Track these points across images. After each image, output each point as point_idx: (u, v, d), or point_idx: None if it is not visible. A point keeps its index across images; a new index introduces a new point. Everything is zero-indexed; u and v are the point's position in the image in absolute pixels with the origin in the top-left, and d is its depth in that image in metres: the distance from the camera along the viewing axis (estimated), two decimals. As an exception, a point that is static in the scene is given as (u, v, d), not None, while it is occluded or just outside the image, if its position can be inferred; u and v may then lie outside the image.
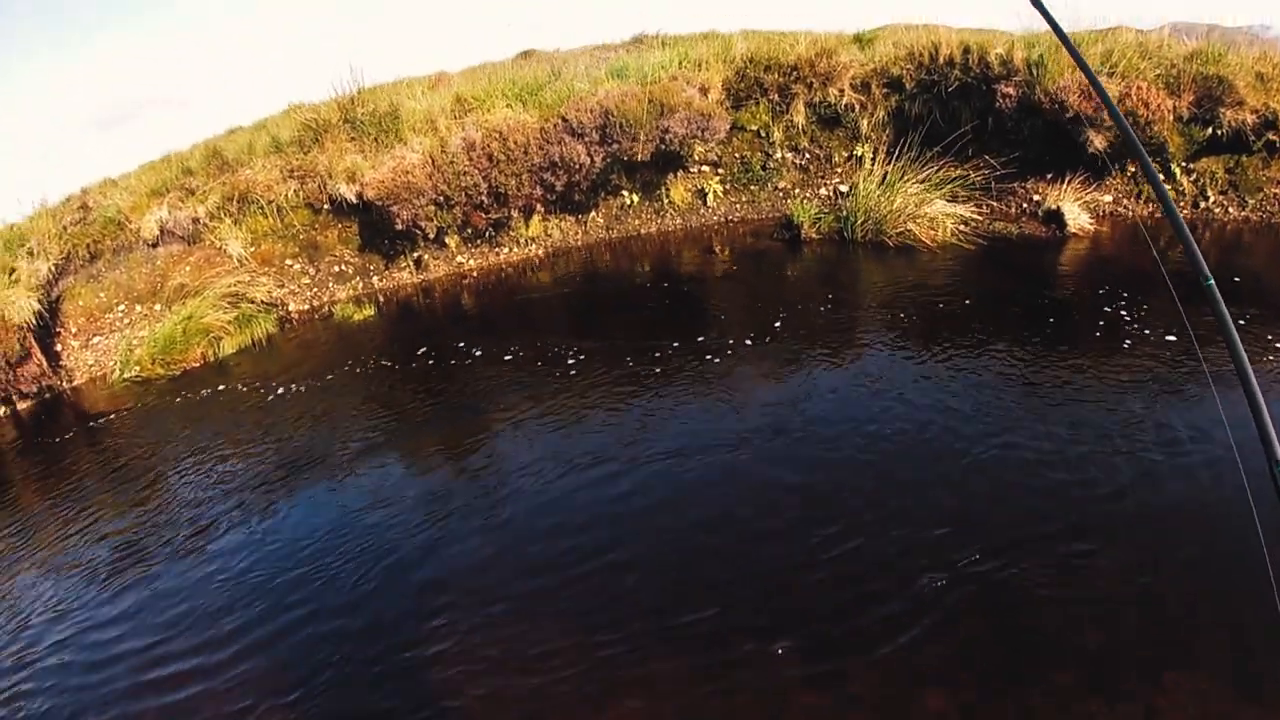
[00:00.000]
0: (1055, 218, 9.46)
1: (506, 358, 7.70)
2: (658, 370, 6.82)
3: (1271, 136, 9.26)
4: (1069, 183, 9.71)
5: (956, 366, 6.24)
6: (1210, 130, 9.39)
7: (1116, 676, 3.37)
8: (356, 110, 10.24)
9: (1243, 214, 9.68)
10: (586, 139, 9.64)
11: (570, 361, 7.31)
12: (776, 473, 5.10)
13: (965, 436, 5.19)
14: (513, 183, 9.70)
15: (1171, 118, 9.31)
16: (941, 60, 10.05)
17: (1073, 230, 9.35)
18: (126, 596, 4.99)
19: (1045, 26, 3.47)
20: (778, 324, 7.53)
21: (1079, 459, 4.78)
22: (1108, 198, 9.91)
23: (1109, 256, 8.79)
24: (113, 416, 8.79)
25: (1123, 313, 6.91)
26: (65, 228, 11.42)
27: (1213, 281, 2.16)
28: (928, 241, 9.37)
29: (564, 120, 9.62)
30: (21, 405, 9.90)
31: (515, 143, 9.61)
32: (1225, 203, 9.75)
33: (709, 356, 6.96)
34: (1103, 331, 6.60)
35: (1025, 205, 9.86)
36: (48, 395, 10.02)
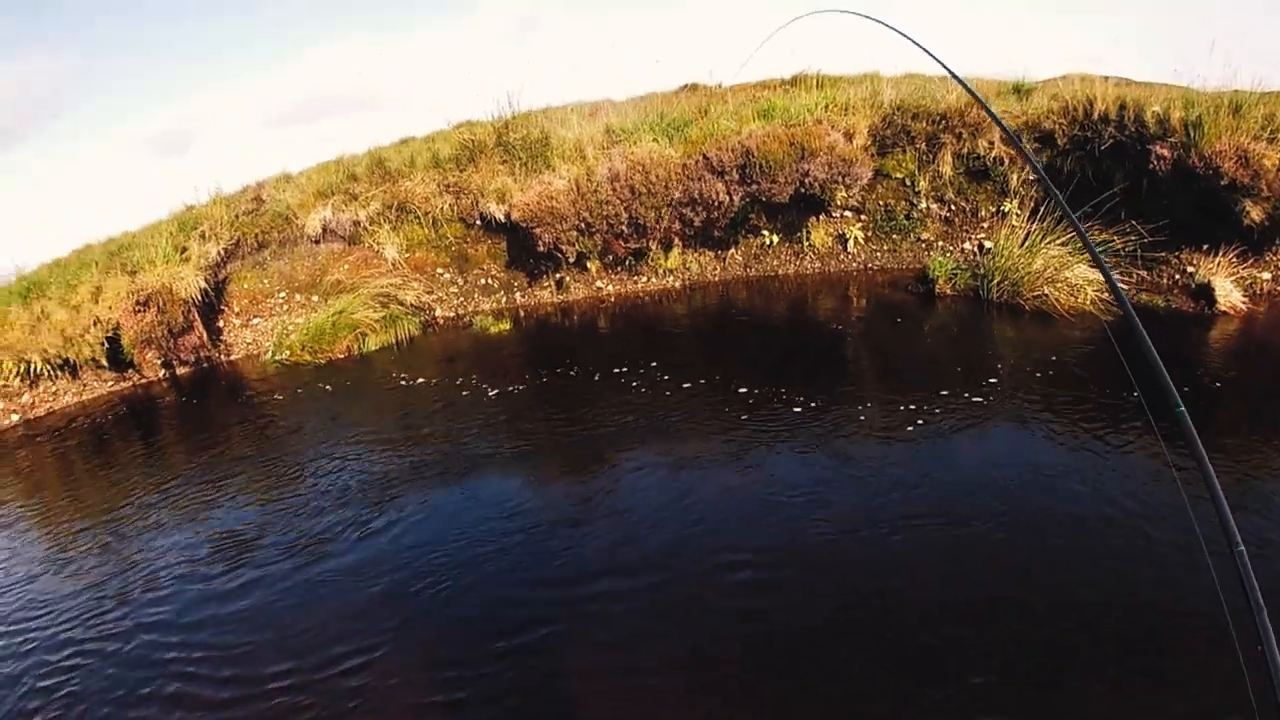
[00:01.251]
0: (1205, 293, 9.27)
1: (635, 384, 8.21)
2: (778, 414, 7.09)
3: None
4: (1223, 256, 9.44)
5: (1083, 446, 6.05)
6: None
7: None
8: (510, 134, 11.29)
9: None
10: (727, 177, 10.38)
11: (695, 396, 7.73)
12: (900, 540, 5.09)
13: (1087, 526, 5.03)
14: (652, 215, 10.52)
15: None
16: (1096, 116, 10.15)
17: (1223, 308, 9.09)
18: (242, 574, 5.53)
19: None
20: (903, 382, 7.66)
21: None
22: (1266, 275, 9.80)
23: (1264, 341, 8.45)
24: (261, 392, 10.15)
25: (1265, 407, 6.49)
26: (237, 216, 13.00)
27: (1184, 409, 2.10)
28: (1065, 309, 9.30)
29: (705, 158, 10.38)
30: (181, 370, 11.62)
31: (657, 177, 10.44)
32: None
33: (833, 408, 7.13)
34: (1255, 428, 6.20)
35: (1176, 277, 9.80)
36: (205, 365, 11.77)
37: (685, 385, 7.91)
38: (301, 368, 10.90)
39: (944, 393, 7.06)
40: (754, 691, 3.86)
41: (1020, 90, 11.02)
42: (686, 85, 13.90)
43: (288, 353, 11.32)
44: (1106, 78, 11.20)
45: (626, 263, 11.26)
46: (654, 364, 8.60)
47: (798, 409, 7.06)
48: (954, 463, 5.93)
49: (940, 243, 10.86)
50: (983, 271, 9.92)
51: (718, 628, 4.30)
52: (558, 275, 11.46)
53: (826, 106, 10.67)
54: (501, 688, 4.03)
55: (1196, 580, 4.15)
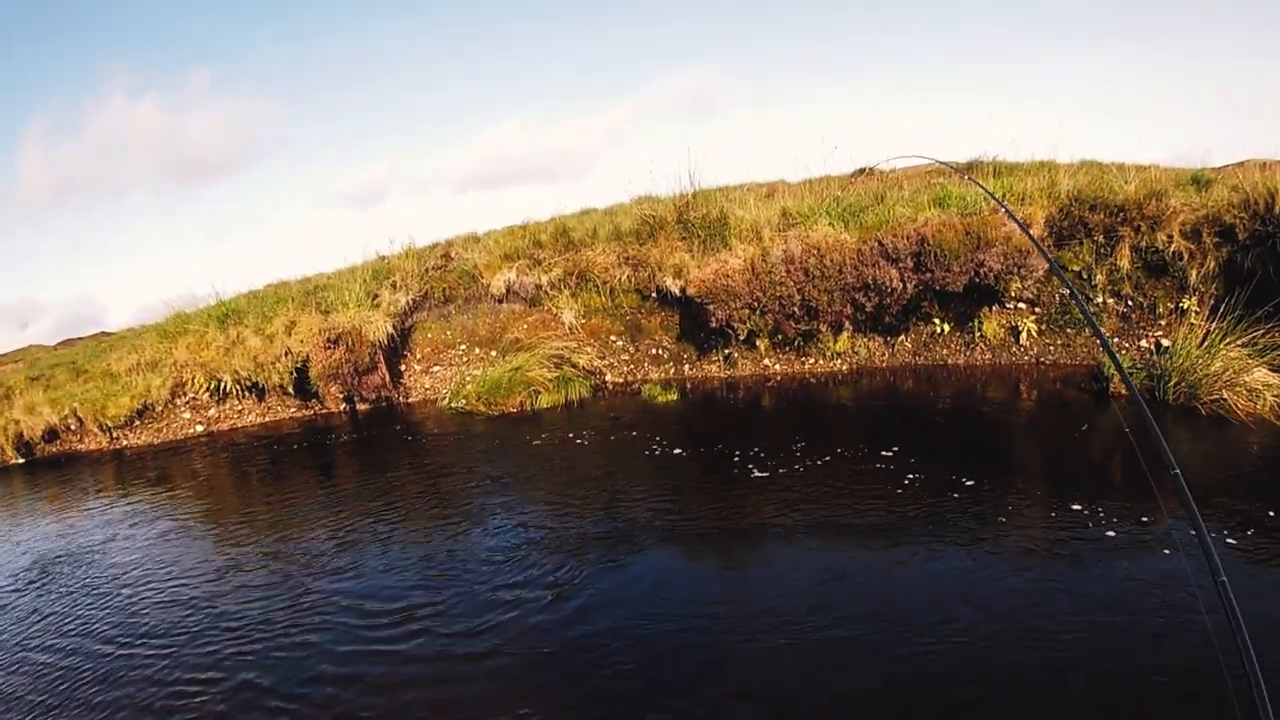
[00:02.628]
0: None
1: (796, 468, 8.73)
2: (941, 513, 7.31)
3: None
4: None
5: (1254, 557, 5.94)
6: None
7: None
8: (690, 213, 12.51)
9: None
10: (900, 264, 11.24)
11: (856, 487, 8.13)
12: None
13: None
14: (825, 298, 11.48)
15: None
16: (1278, 209, 10.41)
17: None
18: (401, 626, 5.89)
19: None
20: (1069, 486, 7.72)
21: None
22: None
23: None
24: (434, 435, 11.49)
25: None
26: (427, 270, 14.71)
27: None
28: (1243, 413, 9.42)
29: (880, 244, 11.28)
30: (361, 406, 13.55)
31: (831, 260, 11.41)
32: None
33: (993, 509, 7.30)
34: None
35: None
36: (384, 403, 13.64)
37: (847, 473, 8.44)
38: (475, 416, 12.29)
39: (1110, 501, 7.22)
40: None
41: (1199, 181, 11.35)
42: (860, 170, 14.80)
43: (463, 401, 12.74)
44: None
45: (795, 343, 12.20)
46: (818, 449, 9.13)
47: (957, 498, 7.48)
48: (1106, 575, 6.01)
49: (1116, 339, 11.23)
50: (1159, 371, 10.19)
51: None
52: (726, 351, 12.52)
53: (1004, 195, 11.34)
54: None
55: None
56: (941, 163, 11.06)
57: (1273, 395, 9.35)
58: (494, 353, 13.91)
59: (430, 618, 5.89)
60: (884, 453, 8.76)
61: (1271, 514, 6.60)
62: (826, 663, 5.08)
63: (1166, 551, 6.09)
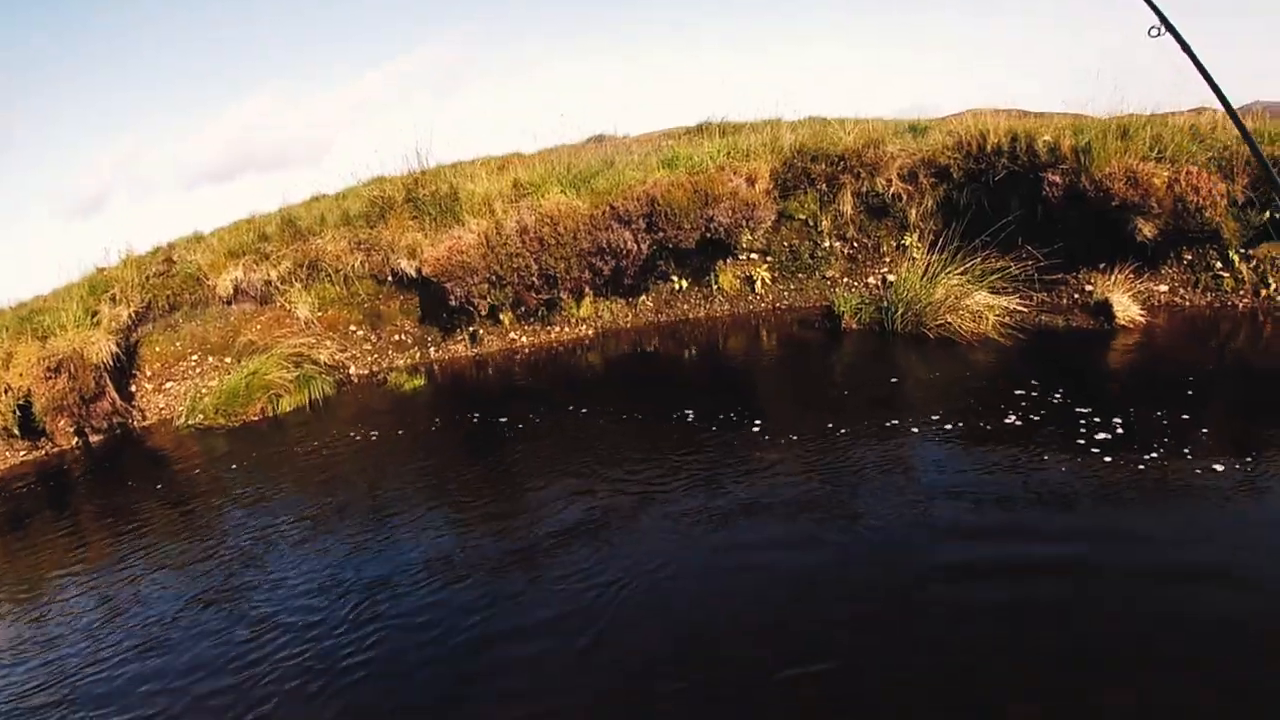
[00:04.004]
0: (1104, 309, 10.65)
1: (546, 431, 9.20)
2: (688, 451, 8.02)
3: None
4: (1118, 273, 10.92)
5: (989, 465, 6.90)
6: (1268, 214, 10.53)
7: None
8: (420, 190, 12.69)
9: None
10: (633, 226, 11.77)
11: (608, 440, 8.65)
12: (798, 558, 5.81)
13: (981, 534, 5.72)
14: (562, 266, 11.89)
15: (1225, 202, 10.54)
16: (989, 149, 11.61)
17: (1122, 322, 10.48)
18: (143, 633, 6.01)
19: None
20: (818, 408, 8.70)
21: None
22: (1163, 288, 11.29)
23: (1163, 350, 9.70)
24: (174, 460, 11.04)
25: (1183, 415, 7.43)
26: (148, 278, 14.21)
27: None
28: (968, 334, 10.63)
29: (612, 208, 11.77)
30: (94, 438, 12.76)
31: (565, 228, 11.83)
32: None
33: (745, 438, 8.11)
34: (1159, 432, 7.07)
35: (1075, 297, 11.26)
36: (118, 431, 12.87)
37: (598, 427, 9.05)
38: (215, 432, 11.85)
39: (859, 421, 8.24)
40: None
41: (916, 129, 12.51)
42: (593, 137, 15.34)
43: (201, 416, 12.36)
44: (998, 111, 12.75)
45: (539, 313, 12.56)
46: (567, 411, 9.69)
47: (711, 442, 8.14)
48: (864, 475, 7.05)
49: (845, 279, 12.23)
50: (886, 304, 11.24)
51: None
52: (471, 329, 12.75)
53: (729, 153, 12.07)
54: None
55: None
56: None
57: (995, 316, 10.55)
58: (229, 359, 13.62)
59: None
60: (629, 405, 9.51)
61: (981, 409, 8.06)
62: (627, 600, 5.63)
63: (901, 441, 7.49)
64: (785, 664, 4.62)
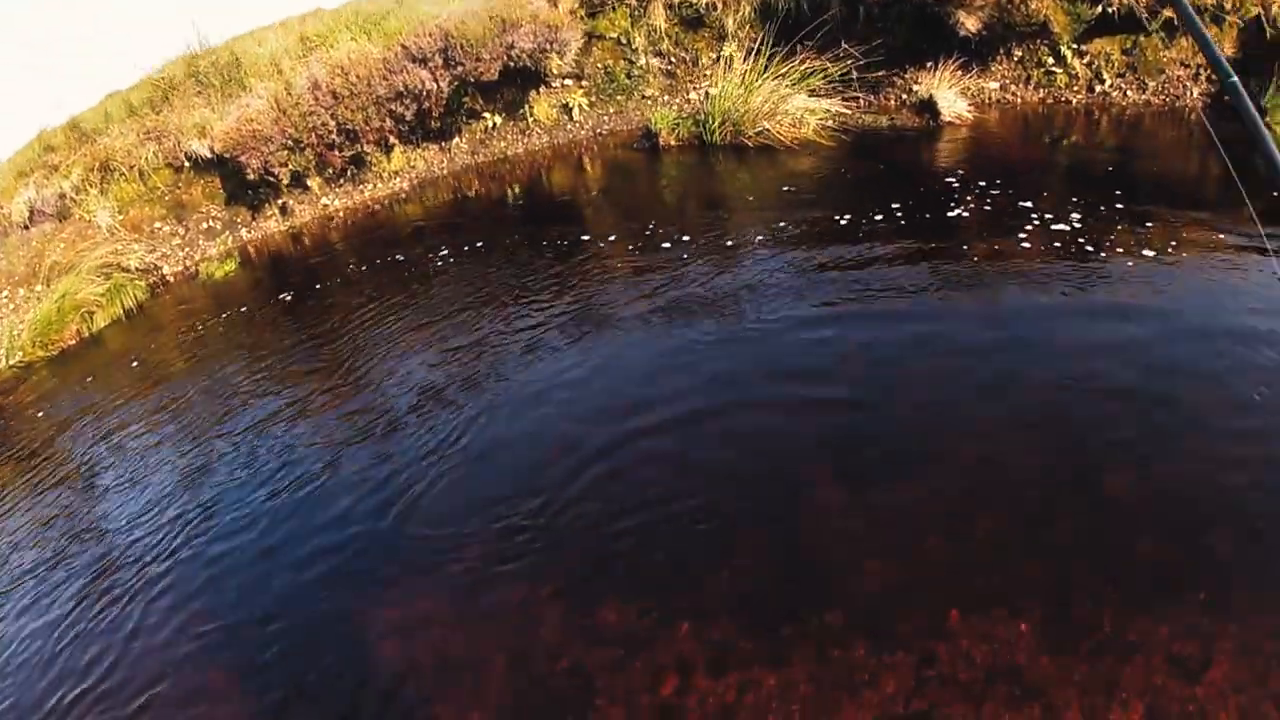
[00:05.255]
0: (929, 107, 10.76)
1: (370, 289, 9.28)
2: (526, 283, 8.28)
3: (1169, 14, 10.48)
4: (942, 69, 10.93)
5: (810, 264, 7.44)
6: (1100, 8, 10.57)
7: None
8: (200, 63, 12.24)
9: (1142, 97, 10.99)
10: (430, 64, 11.43)
11: (440, 289, 8.81)
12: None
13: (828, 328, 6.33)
14: (360, 117, 11.53)
15: None
16: None
17: (948, 119, 10.61)
18: None
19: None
20: (641, 220, 9.15)
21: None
22: (994, 85, 11.34)
23: (989, 144, 10.05)
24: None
25: (1025, 203, 7.90)
26: (-63, 219, 13.63)
27: (1235, 79, 2.48)
28: (788, 140, 10.73)
29: (405, 48, 11.43)
30: None
31: (358, 76, 11.46)
32: (1124, 86, 11.08)
33: (578, 264, 8.51)
34: (991, 222, 7.65)
35: (903, 97, 11.29)
36: None
37: (423, 278, 9.20)
38: (35, 366, 11.46)
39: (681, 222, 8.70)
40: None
41: None
42: None
43: (21, 354, 11.81)
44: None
45: (348, 173, 12.21)
46: (390, 268, 9.79)
47: (543, 268, 8.49)
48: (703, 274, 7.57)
49: (666, 97, 12.07)
50: (703, 117, 11.17)
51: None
52: (280, 202, 12.37)
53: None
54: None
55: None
56: None
57: (816, 119, 10.65)
58: (39, 287, 13.07)
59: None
60: (455, 251, 9.74)
61: (793, 216, 8.45)
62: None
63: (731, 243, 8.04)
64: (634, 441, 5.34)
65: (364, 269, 9.94)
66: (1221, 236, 6.72)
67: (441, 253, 9.65)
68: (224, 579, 5.22)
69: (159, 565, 5.53)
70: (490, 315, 7.70)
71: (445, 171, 12.74)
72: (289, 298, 9.77)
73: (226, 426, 7.25)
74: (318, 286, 9.73)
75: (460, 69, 11.22)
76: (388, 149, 12.19)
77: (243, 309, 10.03)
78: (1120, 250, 6.72)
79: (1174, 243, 6.75)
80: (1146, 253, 6.64)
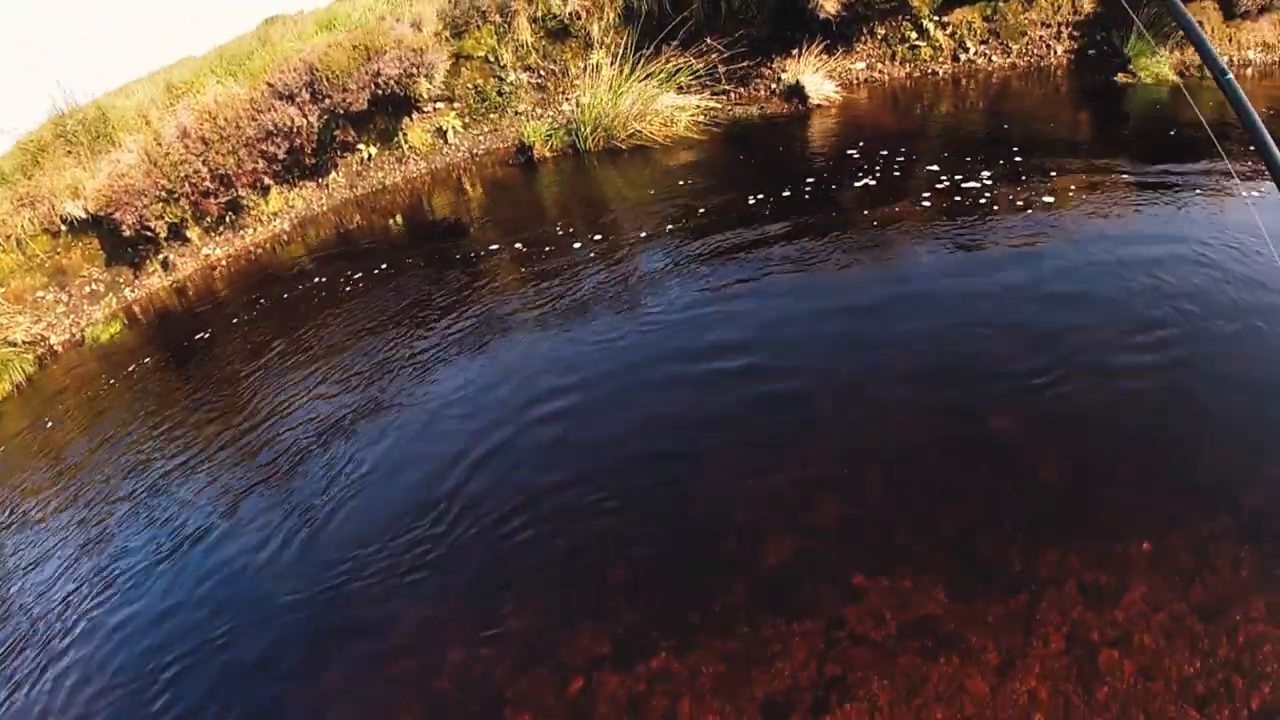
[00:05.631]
0: (797, 92, 11.00)
1: (258, 335, 9.11)
2: (418, 306, 8.32)
3: None
4: (806, 54, 11.23)
5: (690, 253, 7.75)
6: None
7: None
8: (66, 123, 12.16)
9: (1008, 61, 11.34)
10: (298, 100, 11.44)
11: (327, 323, 8.76)
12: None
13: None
14: (231, 161, 11.49)
15: None
16: None
17: (817, 102, 10.88)
18: None
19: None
20: (519, 232, 9.33)
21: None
22: (860, 65, 11.58)
23: (864, 120, 10.44)
24: None
25: (898, 171, 8.50)
26: None
27: (1230, 76, 2.53)
28: (661, 138, 10.96)
29: (270, 86, 11.44)
30: None
31: (226, 119, 11.44)
32: (988, 52, 11.39)
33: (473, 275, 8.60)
34: (869, 191, 8.18)
35: (772, 86, 11.50)
36: None
37: (310, 321, 9.02)
38: None
39: (561, 238, 8.83)
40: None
41: None
42: (266, 19, 14.88)
43: None
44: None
45: (227, 220, 12.14)
46: (275, 312, 9.66)
47: (432, 291, 8.57)
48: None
49: (539, 110, 12.20)
50: (574, 125, 11.30)
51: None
52: (161, 257, 12.26)
53: (389, 2, 11.84)
54: None
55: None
56: None
57: (687, 116, 10.92)
58: (-72, 375, 12.87)
59: None
60: (338, 289, 9.63)
61: (666, 208, 8.83)
62: None
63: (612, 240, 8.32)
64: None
65: (251, 314, 9.81)
66: (1114, 178, 7.35)
67: (328, 288, 9.59)
68: (127, 645, 5.13)
69: (61, 642, 5.43)
70: (384, 342, 7.73)
71: (325, 208, 12.72)
72: (178, 353, 9.65)
73: (125, 489, 7.14)
74: (206, 337, 9.64)
75: (328, 101, 11.23)
76: (264, 191, 12.14)
77: (132, 369, 9.87)
78: (1019, 202, 7.16)
79: (1073, 188, 7.29)
80: (1046, 199, 7.11)
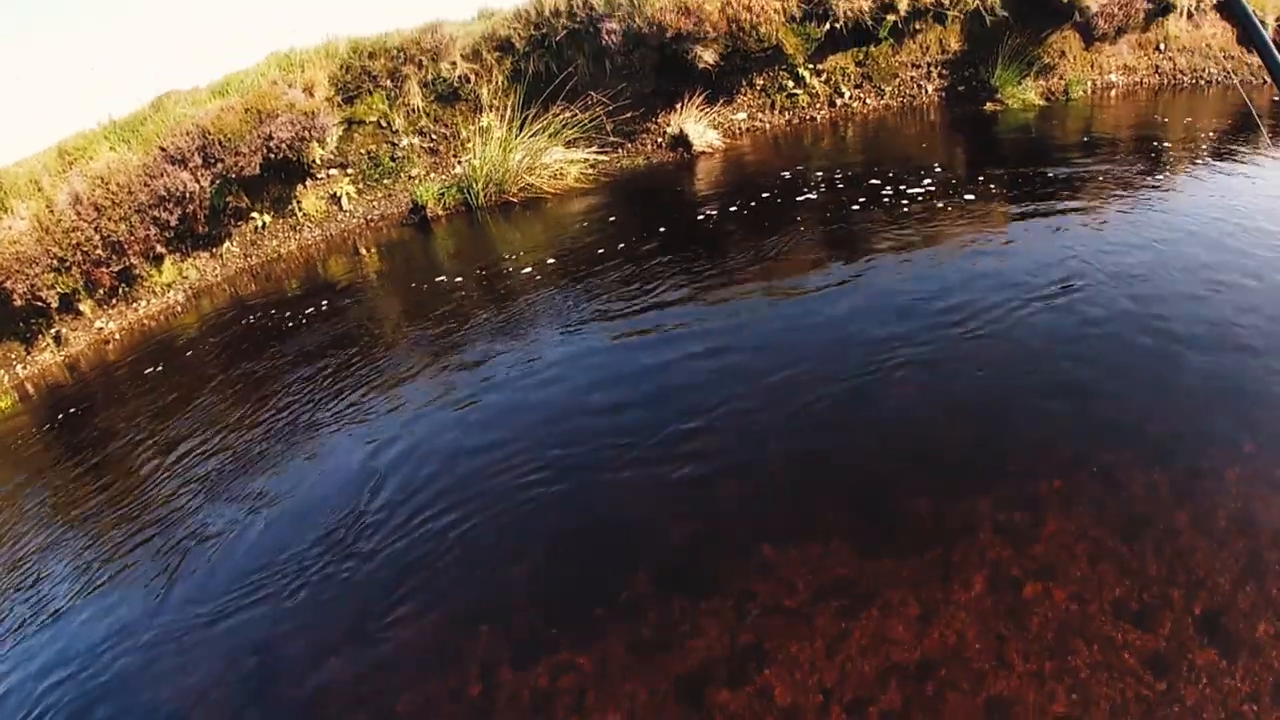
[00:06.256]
0: (682, 141, 11.56)
1: (149, 409, 9.00)
2: (308, 374, 8.26)
3: (891, 18, 11.50)
4: (688, 106, 11.88)
5: (562, 296, 8.18)
6: (828, 25, 11.55)
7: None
8: (-45, 191, 12.37)
9: (882, 102, 12.11)
10: (190, 164, 11.72)
11: (214, 396, 8.68)
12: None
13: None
14: (123, 227, 11.69)
15: (782, 18, 11.49)
16: (548, 12, 12.26)
17: (700, 149, 11.46)
18: None
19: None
20: (423, 311, 9.12)
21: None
22: (741, 115, 12.19)
23: (746, 163, 11.18)
24: None
25: (779, 201, 9.11)
26: None
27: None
28: (551, 191, 11.49)
29: (163, 150, 11.72)
30: None
31: (119, 185, 11.67)
32: (862, 95, 12.15)
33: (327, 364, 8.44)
34: (742, 227, 8.79)
35: (659, 139, 12.06)
36: None
37: (203, 386, 9.10)
38: None
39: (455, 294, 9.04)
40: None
41: (484, 15, 13.11)
42: (164, 94, 15.18)
43: None
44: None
45: (120, 291, 12.28)
46: (172, 375, 9.75)
47: (322, 356, 8.60)
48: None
49: (432, 174, 12.66)
50: (466, 183, 11.77)
51: None
52: (54, 331, 12.34)
53: (280, 67, 12.23)
54: None
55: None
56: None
57: (577, 169, 11.58)
58: None
59: None
60: (231, 365, 9.52)
61: (559, 254, 9.24)
62: None
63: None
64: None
65: (142, 389, 9.79)
66: (986, 186, 8.63)
67: (219, 363, 9.64)
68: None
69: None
70: (273, 409, 7.71)
71: (219, 278, 12.91)
72: (68, 430, 9.59)
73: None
74: (97, 415, 9.59)
75: (221, 165, 11.53)
76: (157, 260, 12.35)
77: (17, 446, 9.84)
78: (891, 214, 8.15)
79: (943, 201, 8.35)
80: (920, 215, 8.08)
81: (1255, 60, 13.65)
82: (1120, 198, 7.87)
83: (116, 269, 12.23)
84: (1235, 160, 8.71)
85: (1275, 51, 2.40)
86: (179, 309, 12.54)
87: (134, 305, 12.86)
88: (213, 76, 13.72)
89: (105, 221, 11.56)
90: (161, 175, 11.63)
